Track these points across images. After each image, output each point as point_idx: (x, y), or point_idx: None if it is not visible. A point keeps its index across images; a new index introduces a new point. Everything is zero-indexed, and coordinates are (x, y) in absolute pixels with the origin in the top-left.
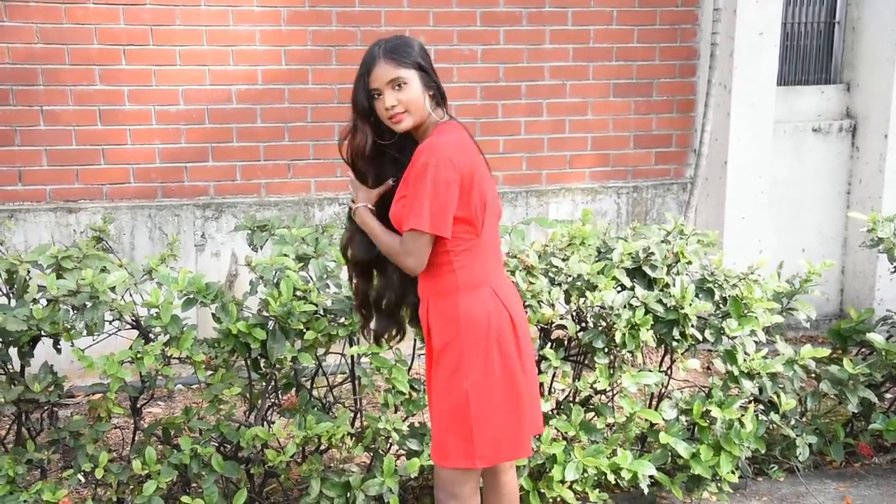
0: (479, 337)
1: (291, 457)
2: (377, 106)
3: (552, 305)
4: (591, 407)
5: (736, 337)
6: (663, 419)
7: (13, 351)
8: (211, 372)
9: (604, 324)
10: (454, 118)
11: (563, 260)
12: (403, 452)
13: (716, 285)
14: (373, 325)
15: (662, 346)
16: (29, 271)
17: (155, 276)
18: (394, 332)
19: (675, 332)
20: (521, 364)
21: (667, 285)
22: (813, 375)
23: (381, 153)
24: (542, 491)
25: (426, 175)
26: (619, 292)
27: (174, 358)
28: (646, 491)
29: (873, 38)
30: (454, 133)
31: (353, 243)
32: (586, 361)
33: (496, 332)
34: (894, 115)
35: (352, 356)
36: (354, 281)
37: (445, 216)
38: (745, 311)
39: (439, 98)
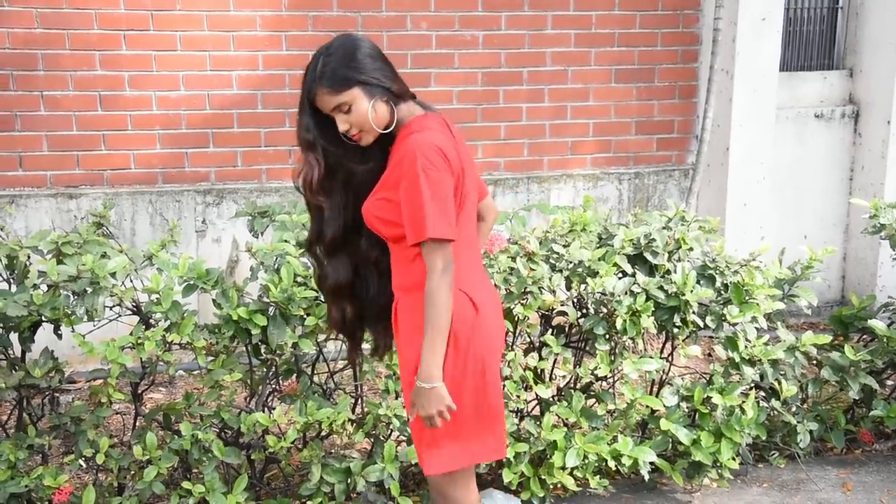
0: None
1: (292, 443)
2: (337, 123)
3: (553, 292)
4: (591, 393)
5: (737, 323)
6: (664, 406)
7: (14, 336)
8: (212, 358)
9: (605, 310)
10: (430, 108)
11: (565, 246)
12: (404, 438)
13: (717, 272)
14: (368, 342)
15: (663, 332)
16: (29, 257)
17: (155, 262)
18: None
19: (676, 319)
20: (478, 363)
21: (668, 272)
22: (814, 362)
23: (342, 166)
24: (543, 477)
25: (424, 179)
26: (620, 279)
27: (175, 344)
28: (646, 477)
29: (876, 23)
30: (435, 127)
31: (330, 273)
32: (587, 348)
33: (454, 334)
34: None
35: None
36: (333, 314)
37: (452, 218)
38: (747, 298)
39: (393, 97)
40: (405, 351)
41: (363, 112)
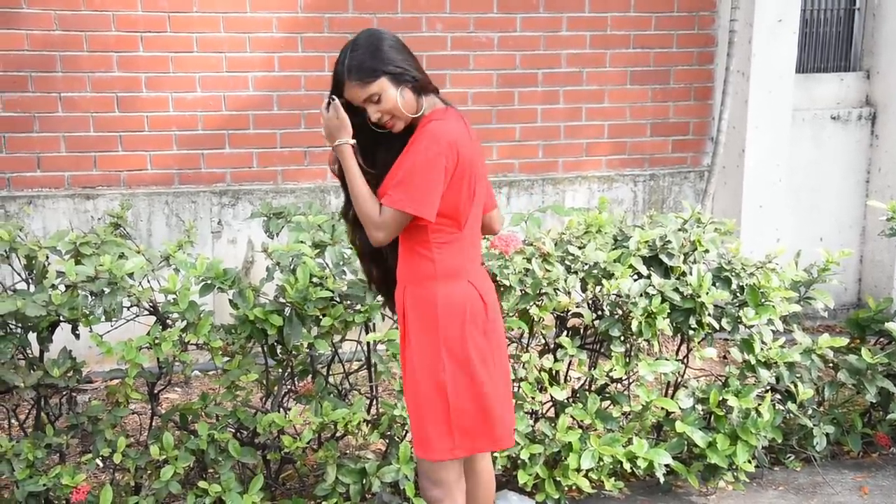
0: (456, 326)
1: (308, 443)
2: (369, 114)
3: (568, 293)
4: (606, 395)
5: (753, 326)
6: (679, 408)
7: (32, 336)
8: (228, 358)
9: (620, 312)
10: (451, 105)
11: (580, 248)
12: None
13: (733, 274)
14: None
15: (679, 334)
16: (48, 257)
17: (172, 263)
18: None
19: (692, 321)
20: (491, 352)
21: (683, 274)
22: (831, 365)
23: (376, 144)
24: (558, 479)
25: (423, 156)
26: (635, 280)
27: (191, 344)
28: (661, 480)
29: (894, 24)
30: (454, 121)
31: (362, 241)
32: (602, 350)
33: (471, 319)
34: None
35: (368, 343)
36: (365, 271)
37: (433, 199)
38: (763, 300)
39: (419, 87)
40: (414, 341)
41: (392, 99)
